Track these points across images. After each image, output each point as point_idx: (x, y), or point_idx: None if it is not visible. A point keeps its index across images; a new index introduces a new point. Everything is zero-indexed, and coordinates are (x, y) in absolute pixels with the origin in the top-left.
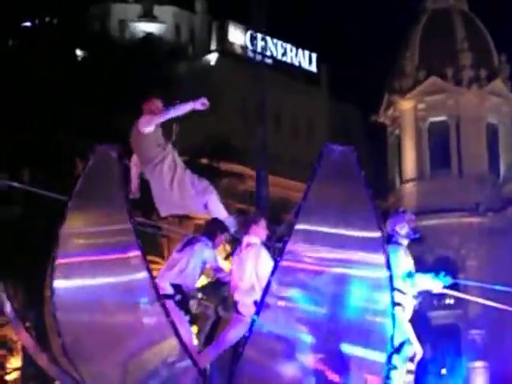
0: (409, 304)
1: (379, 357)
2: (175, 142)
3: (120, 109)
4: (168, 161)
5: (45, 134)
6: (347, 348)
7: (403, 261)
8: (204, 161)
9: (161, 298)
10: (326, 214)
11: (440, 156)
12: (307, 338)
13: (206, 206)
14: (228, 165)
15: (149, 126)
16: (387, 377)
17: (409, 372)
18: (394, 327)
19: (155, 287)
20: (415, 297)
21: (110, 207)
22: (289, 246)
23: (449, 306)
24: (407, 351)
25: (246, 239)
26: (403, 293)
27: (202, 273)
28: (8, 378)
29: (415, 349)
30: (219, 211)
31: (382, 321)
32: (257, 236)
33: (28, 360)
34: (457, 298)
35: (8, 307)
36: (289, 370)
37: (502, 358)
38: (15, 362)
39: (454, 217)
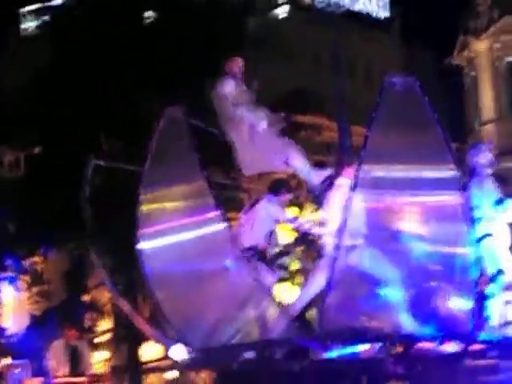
0: (504, 232)
1: (463, 289)
2: (258, 99)
3: (192, 67)
4: (248, 119)
5: (121, 99)
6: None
7: (491, 189)
8: (281, 114)
9: (243, 255)
10: (394, 154)
11: None
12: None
13: (287, 162)
14: (304, 117)
15: (229, 86)
16: (479, 306)
17: (508, 303)
18: (478, 257)
19: (236, 245)
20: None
21: (183, 169)
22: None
23: None
24: (501, 280)
25: (338, 181)
26: (494, 221)
27: (272, 229)
28: (98, 340)
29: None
30: (301, 166)
31: (462, 252)
32: (348, 178)
33: (119, 322)
34: None
35: (103, 271)
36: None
37: None
38: (106, 324)
39: None
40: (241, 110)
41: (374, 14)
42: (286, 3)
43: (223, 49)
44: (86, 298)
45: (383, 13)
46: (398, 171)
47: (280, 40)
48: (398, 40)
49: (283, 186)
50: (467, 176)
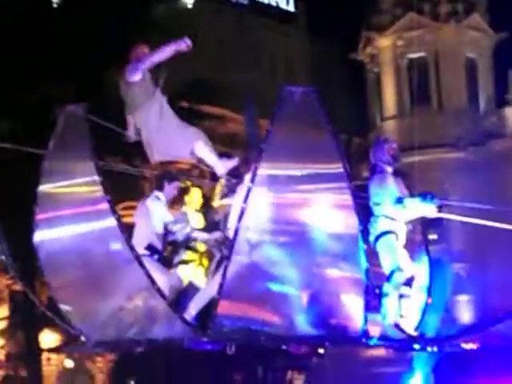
0: (401, 230)
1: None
2: (163, 87)
3: (98, 55)
4: (155, 108)
5: (22, 83)
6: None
7: (391, 187)
8: (184, 104)
9: (134, 250)
10: (288, 156)
11: (420, 92)
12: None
13: (193, 151)
14: (208, 107)
15: (135, 73)
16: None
17: (404, 296)
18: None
19: (127, 242)
20: (407, 223)
21: (79, 162)
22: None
23: (432, 242)
24: (397, 278)
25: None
26: (394, 219)
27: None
28: None
29: (411, 272)
30: (207, 156)
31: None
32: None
33: (15, 308)
34: (440, 233)
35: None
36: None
37: (486, 291)
38: (2, 311)
39: (436, 152)
40: (151, 99)
41: (281, 7)
42: None
43: (129, 35)
44: None
45: (289, 6)
46: (294, 169)
47: (187, 28)
48: (304, 33)
49: (165, 178)
50: (369, 172)
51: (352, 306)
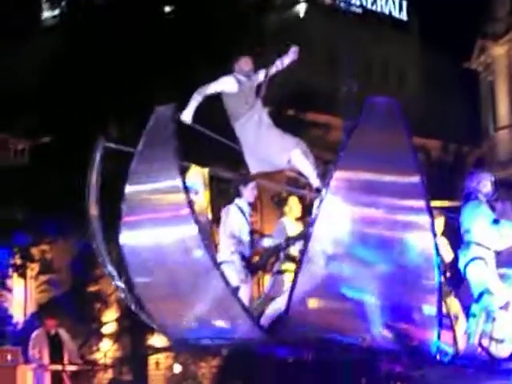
0: (491, 257)
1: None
2: (265, 96)
3: (207, 63)
4: (254, 119)
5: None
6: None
7: (485, 212)
8: (290, 112)
9: (216, 261)
10: (366, 163)
11: None
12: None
13: (289, 162)
14: (315, 115)
15: (234, 86)
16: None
17: (498, 320)
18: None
19: (208, 250)
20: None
21: (164, 165)
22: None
23: None
24: (486, 300)
25: None
26: (484, 246)
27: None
28: (105, 331)
29: (505, 297)
30: (303, 166)
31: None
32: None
33: (124, 312)
34: None
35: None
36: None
37: None
38: (110, 314)
39: None
40: (250, 110)
41: (393, 15)
42: (305, 1)
43: (240, 45)
44: (91, 287)
45: (402, 15)
46: (372, 181)
47: (298, 37)
48: (416, 41)
49: (239, 183)
50: (462, 199)
51: (427, 322)
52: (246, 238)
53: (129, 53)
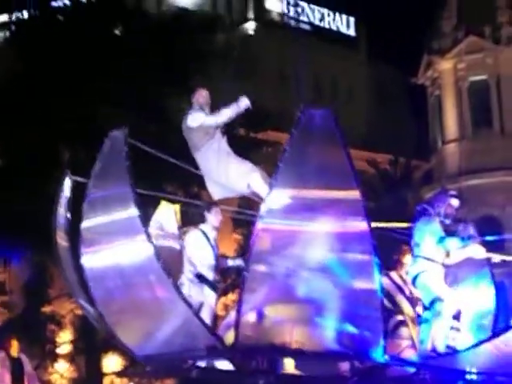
0: (439, 270)
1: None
2: (223, 128)
3: (158, 83)
4: (213, 148)
5: (84, 110)
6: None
7: (435, 229)
8: (241, 131)
9: (170, 275)
10: (303, 177)
11: (481, 115)
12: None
13: (249, 186)
14: (266, 134)
15: (195, 122)
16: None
17: (453, 328)
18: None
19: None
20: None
21: (120, 194)
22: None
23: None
24: (438, 307)
25: None
26: (432, 260)
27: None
28: (59, 351)
29: (456, 304)
30: (262, 190)
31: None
32: None
33: (79, 333)
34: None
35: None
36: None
37: None
38: (65, 336)
39: (498, 175)
40: (210, 140)
41: (342, 32)
42: (254, 19)
43: (187, 64)
44: (46, 309)
45: (350, 31)
46: (309, 194)
47: (246, 56)
48: (365, 57)
49: (202, 209)
50: (417, 215)
51: (372, 327)
52: (210, 261)
53: (76, 78)
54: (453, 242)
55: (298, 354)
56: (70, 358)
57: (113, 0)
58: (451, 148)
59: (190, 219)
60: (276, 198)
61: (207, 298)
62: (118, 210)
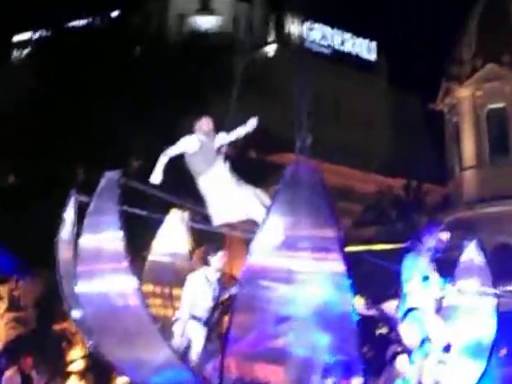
0: (430, 305)
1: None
2: (226, 154)
3: (179, 105)
4: (215, 174)
5: (100, 132)
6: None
7: (422, 266)
8: (253, 154)
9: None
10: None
11: (499, 143)
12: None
13: (247, 213)
14: (277, 156)
15: (196, 147)
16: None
17: (440, 362)
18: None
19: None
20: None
21: (110, 219)
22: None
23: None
24: (426, 348)
25: None
26: (421, 296)
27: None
28: (70, 368)
29: (444, 341)
30: (259, 218)
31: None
32: None
33: (89, 351)
34: None
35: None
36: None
37: None
38: (75, 353)
39: None
40: (211, 166)
41: (362, 56)
42: (275, 42)
43: (207, 87)
44: (56, 326)
45: (370, 56)
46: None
47: (266, 79)
48: (385, 82)
49: (207, 253)
50: (405, 251)
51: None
52: (208, 304)
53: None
54: (435, 283)
55: None
56: (81, 375)
57: (133, 23)
58: (468, 175)
59: (201, 237)
60: (267, 236)
61: (199, 336)
62: (107, 231)
